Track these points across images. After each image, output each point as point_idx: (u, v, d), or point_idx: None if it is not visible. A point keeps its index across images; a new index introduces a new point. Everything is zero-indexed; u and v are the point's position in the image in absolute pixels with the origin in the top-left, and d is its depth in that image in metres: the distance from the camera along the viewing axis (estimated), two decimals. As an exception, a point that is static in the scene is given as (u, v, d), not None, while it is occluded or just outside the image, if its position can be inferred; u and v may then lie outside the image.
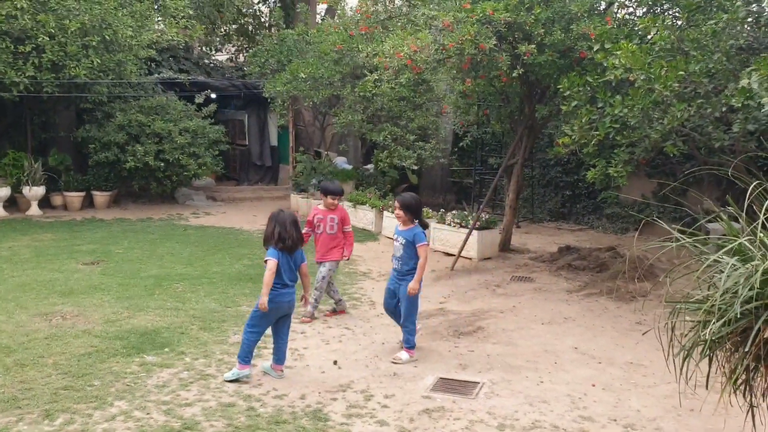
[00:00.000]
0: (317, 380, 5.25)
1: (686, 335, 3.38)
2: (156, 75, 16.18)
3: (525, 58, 7.87)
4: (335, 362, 5.61)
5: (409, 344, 5.83)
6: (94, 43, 12.62)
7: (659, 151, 7.86)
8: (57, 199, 14.56)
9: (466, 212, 10.58)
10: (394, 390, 5.09)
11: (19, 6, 11.86)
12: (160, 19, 14.80)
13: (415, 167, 13.86)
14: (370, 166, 15.51)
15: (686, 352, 3.32)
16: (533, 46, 7.83)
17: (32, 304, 7.14)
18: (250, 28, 23.34)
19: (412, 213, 5.76)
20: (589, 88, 7.39)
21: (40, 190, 13.81)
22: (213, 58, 20.60)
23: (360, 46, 10.37)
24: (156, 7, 15.34)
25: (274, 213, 5.32)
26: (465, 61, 7.99)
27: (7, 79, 11.99)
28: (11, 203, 13.99)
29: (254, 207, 15.93)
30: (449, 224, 10.39)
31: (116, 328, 6.37)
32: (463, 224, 10.13)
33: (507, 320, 7.09)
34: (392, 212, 11.73)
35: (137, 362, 5.52)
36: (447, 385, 5.22)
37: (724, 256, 2.94)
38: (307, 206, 14.85)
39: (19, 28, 12.05)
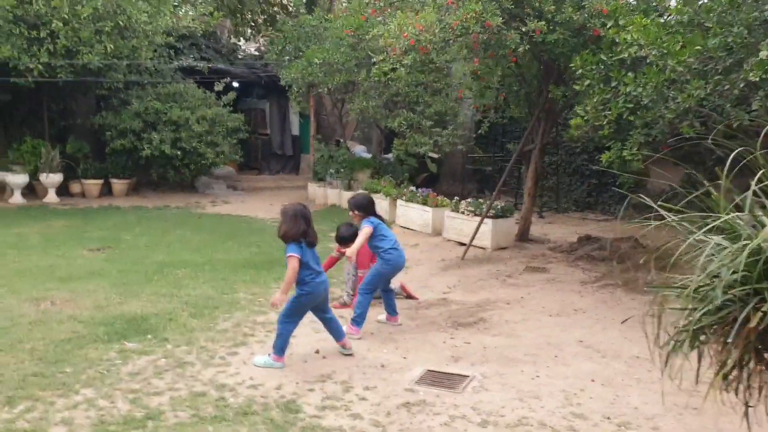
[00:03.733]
0: (297, 370, 4.98)
1: (675, 325, 3.02)
2: (175, 62, 16.08)
3: (534, 36, 7.47)
4: (317, 351, 5.34)
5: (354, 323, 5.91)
6: (107, 29, 12.54)
7: (679, 134, 7.39)
8: (75, 187, 14.59)
9: (480, 200, 10.20)
10: (376, 382, 4.79)
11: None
12: (176, 5, 14.65)
13: (435, 155, 13.48)
14: (390, 155, 15.18)
15: (673, 344, 2.97)
16: (543, 23, 7.42)
17: (26, 289, 7.01)
18: (278, 17, 23.12)
19: (362, 210, 6.06)
20: (603, 67, 6.97)
21: (56, 177, 13.81)
22: (242, 48, 20.37)
23: (371, 29, 10.05)
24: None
25: (296, 208, 5.09)
26: (472, 40, 7.62)
27: (21, 64, 11.98)
28: (30, 191, 14.05)
29: (273, 196, 15.75)
30: (462, 212, 10.03)
31: (103, 314, 6.19)
32: (476, 213, 9.75)
33: (512, 311, 6.74)
34: (405, 200, 11.46)
35: (116, 349, 5.32)
36: (434, 377, 4.90)
37: (708, 235, 2.57)
38: (323, 195, 14.62)
39: (33, 14, 12.01)
